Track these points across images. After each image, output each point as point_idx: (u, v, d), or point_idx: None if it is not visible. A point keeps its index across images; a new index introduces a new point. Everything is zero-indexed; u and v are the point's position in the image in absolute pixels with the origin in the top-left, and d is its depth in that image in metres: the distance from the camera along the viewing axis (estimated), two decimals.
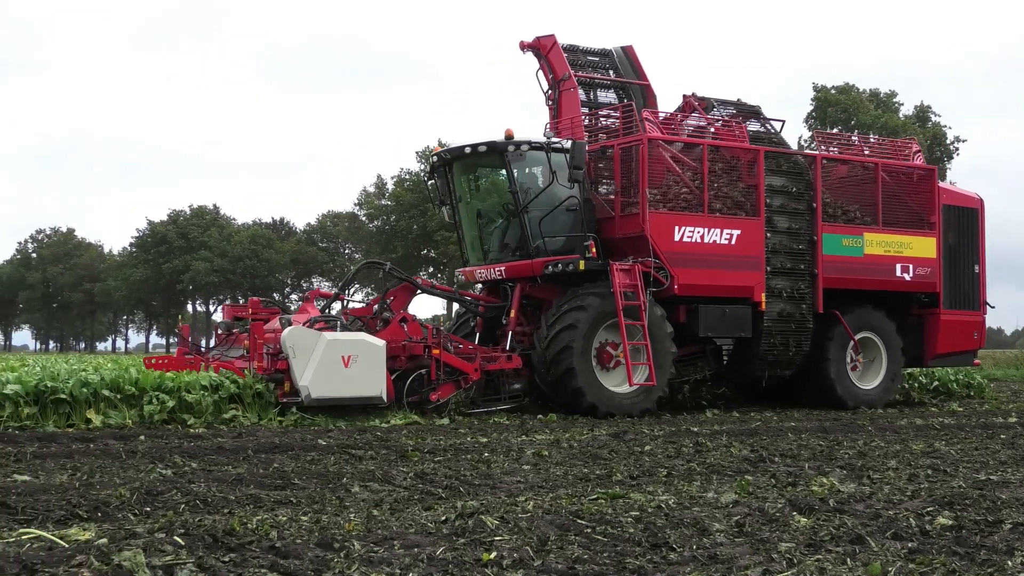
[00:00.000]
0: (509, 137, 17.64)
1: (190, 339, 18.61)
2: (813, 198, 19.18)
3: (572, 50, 20.39)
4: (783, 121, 20.62)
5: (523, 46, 20.23)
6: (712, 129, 19.31)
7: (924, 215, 20.68)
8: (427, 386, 16.20)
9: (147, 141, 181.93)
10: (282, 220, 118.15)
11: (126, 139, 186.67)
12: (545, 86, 20.14)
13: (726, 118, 19.74)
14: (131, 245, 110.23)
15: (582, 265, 17.41)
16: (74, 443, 11.48)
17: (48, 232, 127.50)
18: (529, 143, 17.80)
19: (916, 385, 23.41)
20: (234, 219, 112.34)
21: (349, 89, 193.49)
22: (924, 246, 20.46)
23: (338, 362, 14.78)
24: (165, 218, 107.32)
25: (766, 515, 6.95)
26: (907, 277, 20.18)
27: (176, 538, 5.94)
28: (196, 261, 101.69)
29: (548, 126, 19.82)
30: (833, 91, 76.49)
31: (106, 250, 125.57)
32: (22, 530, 6.34)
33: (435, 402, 16.10)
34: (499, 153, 17.85)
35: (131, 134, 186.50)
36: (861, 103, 75.08)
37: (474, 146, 18.02)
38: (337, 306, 18.29)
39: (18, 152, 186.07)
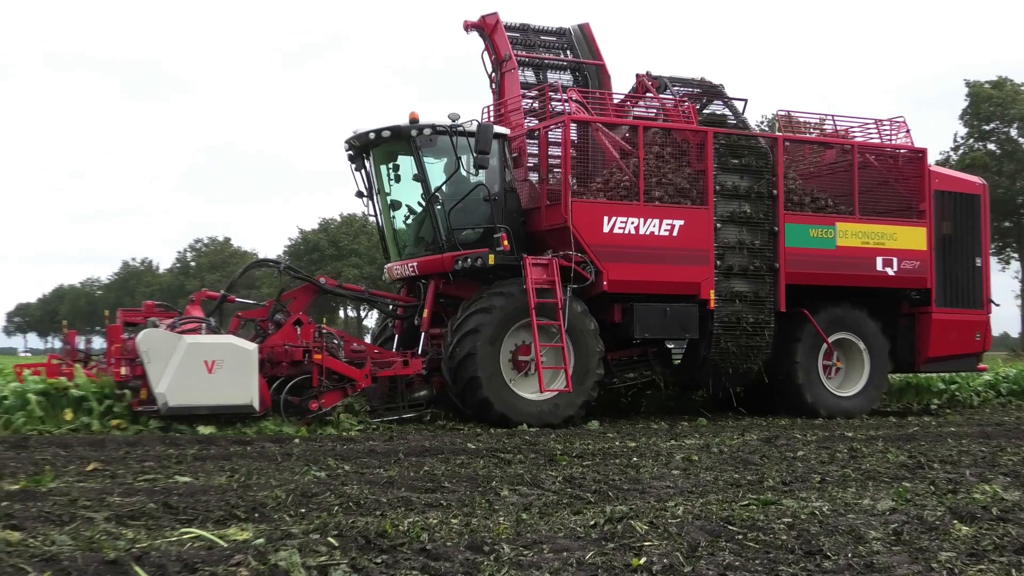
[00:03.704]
0: (414, 120, 16.13)
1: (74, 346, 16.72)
2: (774, 184, 17.26)
3: (523, 29, 18.92)
4: (745, 100, 18.71)
5: (467, 25, 18.73)
6: (662, 111, 17.69)
7: (912, 202, 18.59)
8: (307, 394, 14.73)
9: (299, 154, 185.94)
10: None
11: (279, 152, 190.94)
12: (489, 68, 18.63)
13: (674, 98, 17.89)
14: (285, 253, 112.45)
15: (491, 259, 15.81)
16: (232, 445, 11.78)
17: (206, 241, 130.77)
18: (433, 127, 16.12)
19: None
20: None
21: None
22: (911, 237, 18.35)
23: (200, 368, 13.51)
24: (316, 226, 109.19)
25: (925, 523, 6.77)
26: (890, 272, 18.12)
27: (330, 539, 6.04)
28: (346, 268, 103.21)
29: (484, 110, 18.26)
30: (987, 86, 74.22)
31: (261, 258, 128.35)
32: (183, 529, 6.51)
33: (315, 411, 14.60)
34: (404, 138, 16.30)
35: (284, 147, 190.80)
36: (1017, 96, 72.67)
37: (378, 131, 16.40)
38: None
39: (179, 165, 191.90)
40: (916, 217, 18.48)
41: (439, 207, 16.36)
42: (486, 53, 18.62)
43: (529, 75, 18.42)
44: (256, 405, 13.89)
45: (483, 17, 18.55)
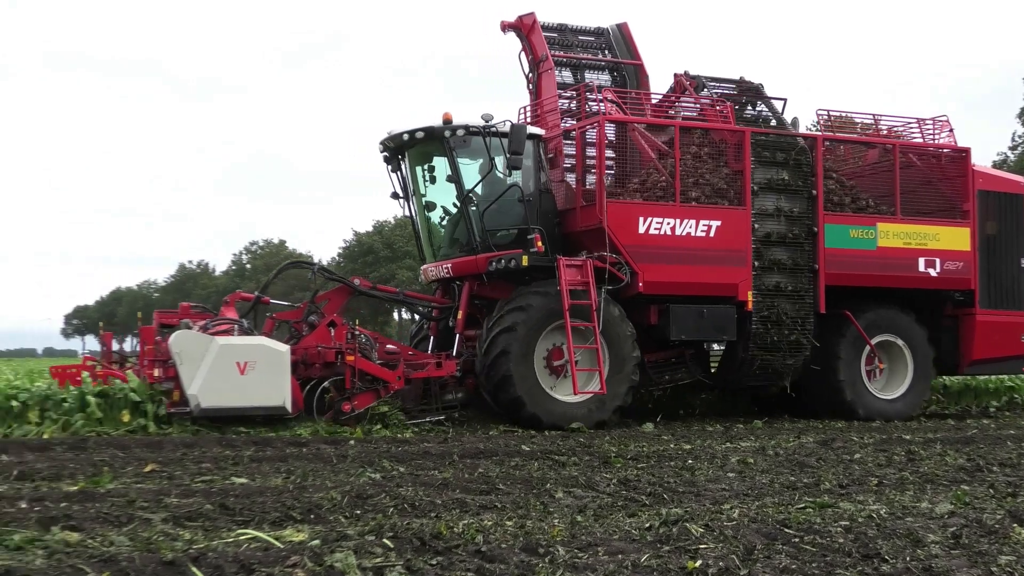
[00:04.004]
0: (447, 121, 16.00)
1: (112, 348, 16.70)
2: (813, 184, 17.02)
3: (561, 29, 18.73)
4: (784, 100, 18.39)
5: (504, 26, 18.52)
6: (700, 111, 17.50)
7: (955, 202, 18.18)
8: (340, 395, 14.68)
9: (352, 156, 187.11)
10: None
11: (332, 155, 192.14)
12: (526, 68, 18.47)
13: (712, 97, 17.69)
14: (339, 255, 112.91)
15: (525, 260, 15.64)
16: (288, 447, 11.85)
17: (261, 244, 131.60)
18: (466, 128, 16.03)
19: None
20: None
21: None
22: (955, 237, 17.94)
23: (232, 369, 13.54)
24: (370, 229, 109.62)
25: (984, 527, 6.70)
26: (933, 273, 17.72)
27: (385, 541, 6.07)
28: (401, 270, 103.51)
29: (522, 110, 18.18)
30: None
31: (316, 260, 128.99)
32: (240, 531, 6.56)
33: (348, 412, 14.48)
34: (437, 139, 16.20)
35: (337, 150, 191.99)
36: None
37: (412, 132, 16.35)
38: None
39: (233, 168, 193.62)
40: (959, 217, 18.14)
41: (473, 208, 16.33)
42: (523, 53, 18.50)
43: (567, 75, 18.29)
44: (289, 407, 13.90)
45: (520, 17, 18.41)
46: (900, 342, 17.86)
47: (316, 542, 6.12)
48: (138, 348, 16.57)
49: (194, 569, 5.31)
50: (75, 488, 8.49)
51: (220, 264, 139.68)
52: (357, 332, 15.44)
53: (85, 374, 14.77)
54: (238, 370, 13.56)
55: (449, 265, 16.70)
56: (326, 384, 14.67)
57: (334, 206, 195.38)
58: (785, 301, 16.75)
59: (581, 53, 18.68)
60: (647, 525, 6.82)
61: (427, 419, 15.33)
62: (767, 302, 16.63)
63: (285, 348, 14.16)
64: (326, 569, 5.39)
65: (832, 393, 17.37)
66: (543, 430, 14.78)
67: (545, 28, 18.42)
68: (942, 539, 6.36)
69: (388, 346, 16.39)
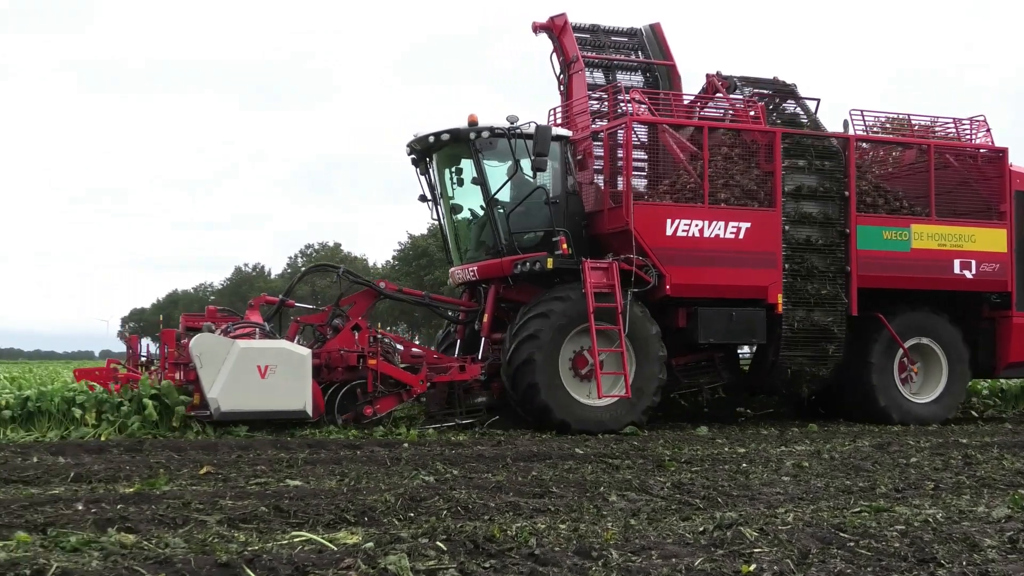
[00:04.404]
0: (473, 123, 15.84)
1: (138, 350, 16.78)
2: (845, 186, 16.70)
3: (593, 30, 18.43)
4: (818, 100, 18.01)
5: (535, 27, 18.29)
6: (731, 111, 17.19)
7: (992, 203, 17.78)
8: (362, 399, 14.72)
9: (406, 159, 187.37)
10: None
11: (389, 157, 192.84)
12: (558, 69, 18.24)
13: (744, 98, 17.33)
14: (394, 258, 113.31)
15: (550, 263, 15.45)
16: (342, 450, 11.90)
17: (316, 247, 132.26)
18: (491, 129, 15.87)
19: None
20: None
21: None
22: (991, 239, 17.53)
23: (253, 372, 13.52)
24: (425, 231, 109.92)
25: None
26: (968, 275, 17.32)
27: (439, 543, 6.08)
28: None
29: (551, 112, 17.99)
30: None
31: (370, 263, 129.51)
32: (294, 533, 6.61)
33: (370, 416, 14.56)
34: (463, 141, 16.03)
35: (392, 153, 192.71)
36: None
37: (438, 134, 16.23)
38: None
39: (291, 173, 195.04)
40: (996, 218, 17.79)
41: (499, 210, 16.19)
42: (555, 55, 18.31)
43: (599, 76, 18.05)
44: (310, 411, 13.89)
45: (552, 18, 18.25)
46: (934, 345, 17.53)
47: (370, 544, 6.14)
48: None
49: (248, 571, 5.34)
50: (131, 490, 8.58)
51: (276, 267, 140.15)
52: (380, 335, 15.41)
53: (144, 376, 14.84)
54: (259, 373, 13.55)
55: (475, 268, 16.60)
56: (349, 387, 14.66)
57: (398, 208, 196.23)
58: (816, 304, 16.50)
59: (613, 54, 18.45)
60: (701, 529, 6.79)
61: (452, 423, 15.22)
62: (798, 305, 16.39)
63: (306, 352, 14.16)
64: (379, 571, 5.42)
65: (865, 398, 17.13)
66: (553, 426, 14.79)
67: (577, 29, 18.23)
68: (999, 543, 6.30)
69: (413, 350, 16.36)
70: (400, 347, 15.81)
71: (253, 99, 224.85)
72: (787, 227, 16.38)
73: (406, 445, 12.52)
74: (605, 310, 15.01)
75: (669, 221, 15.71)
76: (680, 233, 15.73)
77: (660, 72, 18.43)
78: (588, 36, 18.41)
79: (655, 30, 18.78)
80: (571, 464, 10.77)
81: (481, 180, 16.13)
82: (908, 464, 10.93)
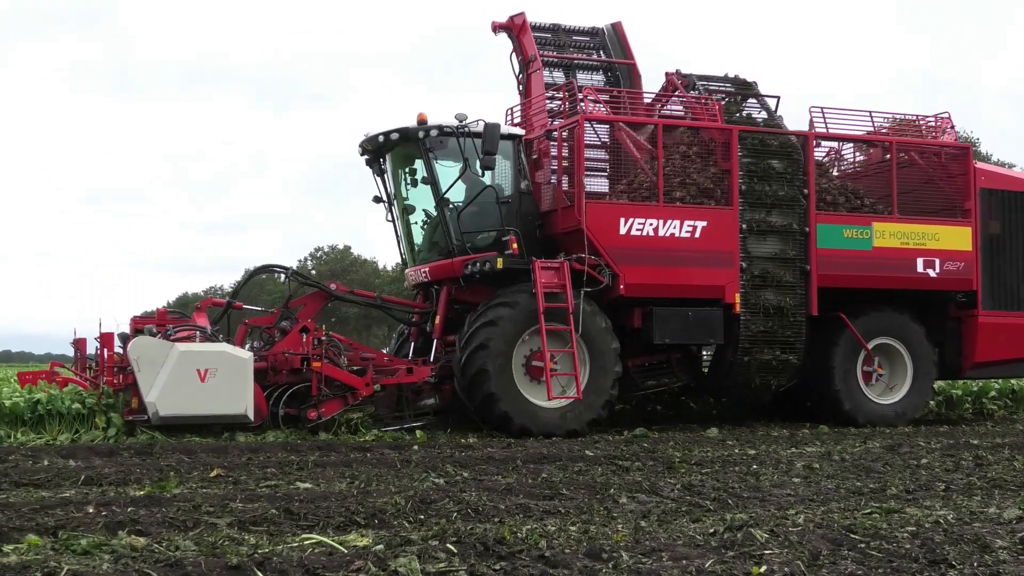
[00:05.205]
0: (422, 122, 15.64)
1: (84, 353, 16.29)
2: (805, 183, 16.51)
3: (555, 29, 18.25)
4: (777, 98, 17.70)
5: (495, 27, 18.10)
6: (688, 108, 16.98)
7: (956, 201, 17.56)
8: (306, 402, 14.38)
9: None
10: None
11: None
12: (517, 69, 17.99)
13: (700, 95, 17.06)
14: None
15: (500, 263, 15.18)
16: (352, 452, 11.92)
17: (326, 249, 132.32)
18: (440, 128, 15.66)
19: None
20: None
21: None
22: (955, 237, 17.30)
23: (193, 376, 13.24)
24: None
25: None
26: (932, 273, 17.09)
27: (449, 546, 6.08)
28: None
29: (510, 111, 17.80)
30: None
31: (380, 266, 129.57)
32: (304, 535, 6.61)
33: (314, 420, 14.22)
34: (413, 140, 15.85)
35: None
36: None
37: (387, 133, 16.02)
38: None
39: (299, 175, 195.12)
40: (961, 216, 17.56)
41: (450, 210, 16.01)
42: (514, 54, 18.12)
43: (559, 76, 17.90)
44: (251, 415, 13.65)
45: (511, 18, 18.07)
46: (899, 345, 17.33)
47: (380, 547, 6.15)
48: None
49: (259, 573, 5.35)
50: (141, 493, 8.59)
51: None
52: (329, 338, 15.13)
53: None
54: (199, 377, 13.31)
55: (427, 269, 16.47)
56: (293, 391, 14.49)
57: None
58: (775, 303, 16.27)
59: (575, 53, 18.33)
60: (711, 530, 6.78)
61: (400, 426, 14.97)
62: (756, 304, 16.14)
63: (248, 355, 13.95)
64: (390, 574, 5.42)
65: (829, 401, 17.00)
66: (514, 433, 14.54)
67: (537, 28, 18.08)
68: (1010, 545, 6.29)
69: (364, 353, 16.04)
70: (348, 349, 15.49)
71: (262, 100, 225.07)
72: (744, 226, 16.18)
73: (416, 447, 12.55)
74: (556, 310, 14.88)
75: (623, 220, 15.56)
76: (634, 232, 15.57)
77: (621, 71, 18.34)
78: (549, 36, 18.30)
79: (616, 29, 18.66)
80: (581, 466, 10.76)
81: (431, 179, 15.98)
82: (919, 465, 10.91)
